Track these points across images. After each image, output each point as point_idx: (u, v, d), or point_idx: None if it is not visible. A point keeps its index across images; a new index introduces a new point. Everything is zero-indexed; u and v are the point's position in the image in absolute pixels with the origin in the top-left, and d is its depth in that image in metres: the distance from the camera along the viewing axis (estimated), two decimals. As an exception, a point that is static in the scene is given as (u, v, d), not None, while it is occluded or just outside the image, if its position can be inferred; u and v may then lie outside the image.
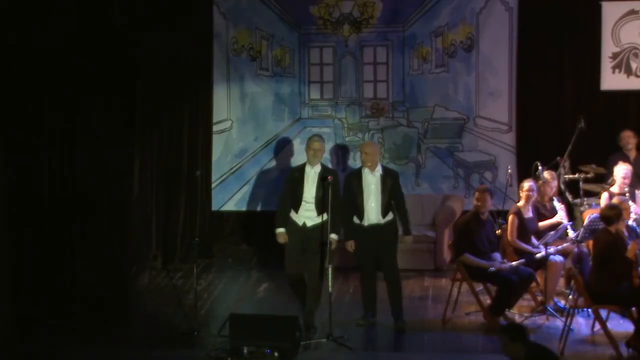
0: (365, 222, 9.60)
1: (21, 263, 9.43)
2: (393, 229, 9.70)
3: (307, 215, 9.56)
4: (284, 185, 9.79)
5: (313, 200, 9.54)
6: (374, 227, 9.58)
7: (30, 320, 9.42)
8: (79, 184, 9.71)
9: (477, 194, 9.94)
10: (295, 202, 9.59)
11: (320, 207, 9.50)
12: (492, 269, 9.61)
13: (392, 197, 9.61)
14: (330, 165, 12.74)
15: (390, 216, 9.64)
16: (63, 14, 9.66)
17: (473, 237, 9.78)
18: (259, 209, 12.76)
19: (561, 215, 10.45)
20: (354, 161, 12.82)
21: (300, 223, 9.59)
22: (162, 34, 11.76)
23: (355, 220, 9.64)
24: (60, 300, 9.62)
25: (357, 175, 9.68)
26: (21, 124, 9.43)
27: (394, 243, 9.73)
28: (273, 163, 12.78)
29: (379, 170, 9.63)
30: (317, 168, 9.61)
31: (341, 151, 12.86)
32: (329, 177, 9.40)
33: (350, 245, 9.67)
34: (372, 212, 9.57)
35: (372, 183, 9.58)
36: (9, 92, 9.29)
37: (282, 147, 12.75)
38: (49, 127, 9.68)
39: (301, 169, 9.67)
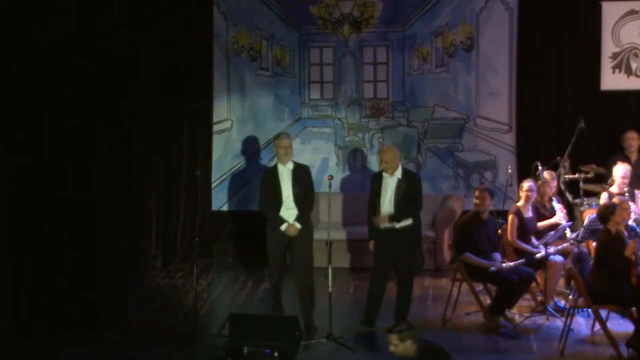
0: (381, 225, 9.60)
1: (21, 263, 9.42)
2: (411, 235, 9.61)
3: (290, 214, 9.55)
4: (261, 188, 9.70)
5: (292, 198, 9.55)
6: (390, 231, 9.54)
7: (30, 320, 9.41)
8: (79, 184, 9.70)
9: (477, 193, 9.94)
10: (276, 204, 9.56)
11: (301, 204, 9.53)
12: (493, 268, 9.61)
13: (408, 199, 9.56)
14: (329, 165, 12.79)
15: (407, 221, 9.56)
16: (63, 13, 9.65)
17: (473, 237, 9.77)
18: (259, 209, 12.72)
19: (559, 216, 10.44)
20: (354, 161, 12.83)
21: None
22: (162, 34, 11.76)
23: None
24: (60, 300, 9.61)
25: (378, 177, 9.68)
26: (21, 123, 9.41)
27: (412, 249, 9.68)
28: (273, 163, 12.75)
29: (398, 173, 9.59)
30: (290, 165, 9.61)
31: (341, 151, 12.86)
32: (329, 177, 9.50)
33: (372, 245, 9.68)
34: (386, 215, 9.56)
35: (389, 186, 9.57)
36: (9, 91, 9.28)
37: (282, 147, 12.74)
38: (49, 126, 9.67)
39: (274, 170, 9.63)
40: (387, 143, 12.69)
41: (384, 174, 9.62)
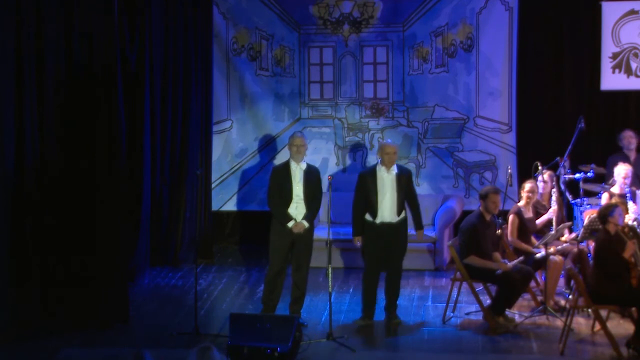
0: (378, 220, 9.59)
1: (22, 263, 9.42)
2: (405, 229, 9.73)
3: (298, 212, 9.61)
4: (271, 182, 9.76)
5: (302, 197, 9.58)
6: (387, 226, 9.58)
7: (30, 320, 9.41)
8: (79, 184, 9.71)
9: (490, 195, 9.76)
10: (286, 200, 9.61)
11: (309, 204, 9.57)
12: (499, 271, 9.55)
13: (406, 194, 9.63)
14: (329, 165, 12.80)
15: (403, 214, 9.66)
16: (60, 14, 9.65)
17: (479, 239, 9.73)
18: (259, 209, 12.75)
19: (553, 208, 10.38)
20: (354, 161, 12.83)
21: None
22: (162, 34, 11.75)
23: (368, 218, 9.64)
24: (61, 300, 9.61)
25: (371, 173, 9.68)
26: (22, 115, 9.41)
27: (405, 243, 9.75)
28: (273, 163, 12.77)
29: (394, 168, 9.63)
30: (303, 165, 9.66)
31: (341, 151, 12.85)
32: (329, 177, 9.51)
33: (358, 240, 9.68)
34: (387, 210, 9.57)
35: (387, 181, 9.58)
36: (9, 86, 9.28)
37: (282, 147, 12.75)
38: (51, 123, 9.66)
39: (286, 167, 9.70)
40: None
41: (379, 170, 9.61)
